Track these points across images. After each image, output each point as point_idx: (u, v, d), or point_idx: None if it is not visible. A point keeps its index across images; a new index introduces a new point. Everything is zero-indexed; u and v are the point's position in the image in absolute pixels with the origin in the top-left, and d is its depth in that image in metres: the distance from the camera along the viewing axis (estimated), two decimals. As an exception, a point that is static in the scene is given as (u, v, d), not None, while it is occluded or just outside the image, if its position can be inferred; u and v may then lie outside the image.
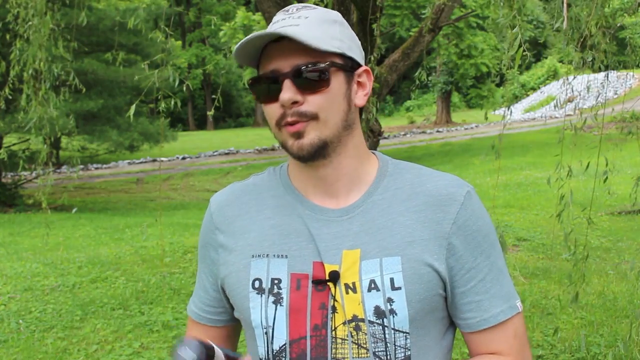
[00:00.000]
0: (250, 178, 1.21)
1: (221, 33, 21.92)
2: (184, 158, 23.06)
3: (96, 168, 21.40)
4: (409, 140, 25.39)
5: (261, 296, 1.07)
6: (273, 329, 1.06)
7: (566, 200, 2.95)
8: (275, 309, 1.05)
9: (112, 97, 13.83)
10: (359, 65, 1.09)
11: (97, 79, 12.98)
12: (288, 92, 1.01)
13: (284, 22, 1.04)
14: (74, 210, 8.21)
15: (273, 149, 24.65)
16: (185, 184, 18.19)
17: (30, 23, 3.79)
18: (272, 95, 1.03)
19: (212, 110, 4.70)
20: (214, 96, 4.58)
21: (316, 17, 1.05)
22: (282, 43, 1.01)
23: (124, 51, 14.12)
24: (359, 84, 1.09)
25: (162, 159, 21.33)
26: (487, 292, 1.07)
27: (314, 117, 1.02)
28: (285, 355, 1.05)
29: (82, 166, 20.92)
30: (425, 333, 1.05)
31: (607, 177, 3.00)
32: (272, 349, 1.06)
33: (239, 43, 1.03)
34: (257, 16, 19.67)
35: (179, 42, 35.71)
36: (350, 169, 1.09)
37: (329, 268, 1.04)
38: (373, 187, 1.10)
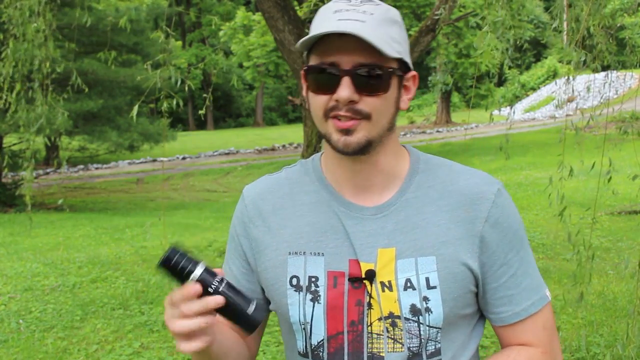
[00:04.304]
0: (283, 171, 1.20)
1: (221, 33, 21.92)
2: (184, 158, 23.06)
3: (96, 168, 21.40)
4: (409, 140, 25.38)
5: (299, 293, 1.09)
6: (311, 325, 1.08)
7: (564, 199, 2.95)
8: (313, 306, 1.08)
9: (112, 97, 13.82)
10: (409, 70, 1.09)
11: (97, 79, 12.96)
12: (347, 90, 1.00)
13: (349, 15, 1.01)
14: (59, 201, 8.32)
15: (273, 149, 24.65)
16: (185, 184, 18.19)
17: (32, 23, 3.80)
18: (326, 87, 1.02)
19: (204, 109, 4.70)
20: (205, 95, 4.58)
21: (380, 15, 1.03)
22: (347, 36, 0.99)
23: (124, 51, 14.12)
24: (405, 87, 1.10)
25: (162, 159, 21.32)
26: (518, 286, 1.10)
27: (367, 116, 1.02)
28: (324, 349, 1.08)
29: (82, 166, 20.94)
30: (456, 328, 1.09)
31: (610, 177, 2.99)
32: (311, 344, 1.09)
33: (311, 35, 1.01)
34: (257, 16, 19.66)
35: (179, 42, 35.72)
36: (386, 166, 1.11)
37: (364, 266, 1.06)
38: (406, 184, 1.11)
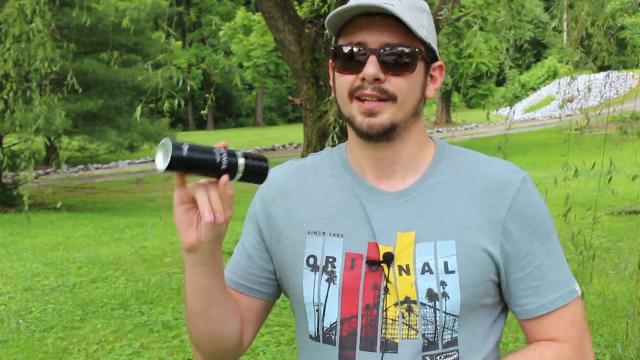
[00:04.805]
0: (309, 157, 1.20)
1: (221, 33, 21.93)
2: (184, 158, 23.03)
3: (96, 168, 21.40)
4: (409, 140, 25.34)
5: (315, 273, 1.08)
6: (325, 306, 1.07)
7: (568, 199, 2.95)
8: (328, 287, 1.07)
9: (112, 97, 13.83)
10: (436, 59, 1.10)
11: (97, 79, 12.97)
12: (373, 67, 1.00)
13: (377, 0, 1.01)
14: (58, 204, 8.31)
15: (273, 149, 24.65)
16: (185, 184, 18.14)
17: (30, 23, 3.79)
18: (352, 67, 1.03)
19: (206, 109, 4.72)
20: (207, 95, 4.59)
21: (409, 1, 1.03)
22: (374, 18, 1.01)
23: (124, 51, 14.11)
24: (431, 77, 1.10)
25: (162, 159, 21.27)
26: (544, 278, 1.07)
27: (392, 97, 1.02)
28: (336, 332, 1.06)
29: (82, 166, 20.94)
30: (474, 317, 1.06)
31: (611, 177, 2.99)
32: (323, 326, 1.07)
33: (338, 9, 1.01)
34: (257, 16, 19.67)
35: (179, 42, 35.71)
36: (409, 154, 1.10)
37: (383, 249, 1.05)
38: (429, 170, 1.10)
